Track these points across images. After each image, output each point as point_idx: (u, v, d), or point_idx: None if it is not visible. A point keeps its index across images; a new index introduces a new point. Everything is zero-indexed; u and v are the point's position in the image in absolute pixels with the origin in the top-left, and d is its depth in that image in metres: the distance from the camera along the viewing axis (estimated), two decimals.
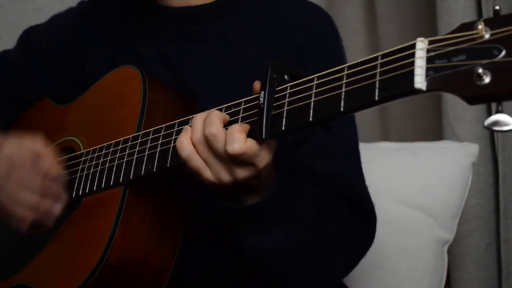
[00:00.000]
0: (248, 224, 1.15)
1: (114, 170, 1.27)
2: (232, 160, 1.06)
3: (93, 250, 1.22)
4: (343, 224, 1.26)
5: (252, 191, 1.12)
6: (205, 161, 1.09)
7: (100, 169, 1.30)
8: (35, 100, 1.55)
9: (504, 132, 0.84)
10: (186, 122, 1.18)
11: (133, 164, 1.23)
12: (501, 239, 1.98)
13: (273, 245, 1.15)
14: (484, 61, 0.83)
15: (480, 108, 1.89)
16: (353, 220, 1.28)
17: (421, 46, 0.89)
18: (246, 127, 1.07)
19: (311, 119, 1.00)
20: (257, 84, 1.09)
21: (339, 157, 1.31)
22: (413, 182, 1.78)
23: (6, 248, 1.49)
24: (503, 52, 0.82)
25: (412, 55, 0.89)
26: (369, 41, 2.33)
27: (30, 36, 1.58)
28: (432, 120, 2.19)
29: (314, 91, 1.01)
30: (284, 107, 1.03)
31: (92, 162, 1.32)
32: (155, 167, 1.20)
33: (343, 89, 0.97)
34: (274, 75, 1.06)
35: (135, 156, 1.24)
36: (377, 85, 0.92)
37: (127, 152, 1.26)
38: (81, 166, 1.35)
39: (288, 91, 1.04)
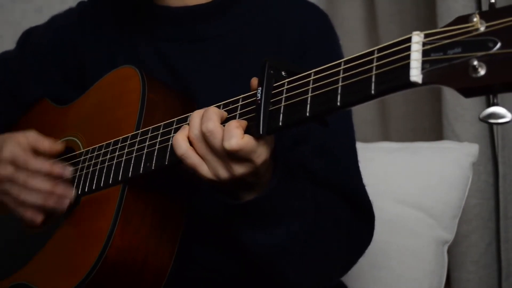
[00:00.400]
0: (246, 221, 1.15)
1: (113, 168, 1.27)
2: (230, 156, 1.06)
3: (92, 248, 1.22)
4: (341, 222, 1.26)
5: (250, 187, 1.12)
6: (202, 157, 1.09)
7: (99, 167, 1.30)
8: (35, 100, 1.56)
9: (499, 125, 0.84)
10: (184, 120, 1.18)
11: (132, 162, 1.24)
12: (501, 239, 1.98)
13: (272, 242, 1.15)
14: (480, 54, 0.83)
15: (480, 108, 1.89)
16: (352, 219, 1.28)
17: (417, 39, 0.89)
18: (244, 123, 1.07)
19: (308, 114, 1.00)
20: (254, 81, 1.10)
21: (336, 155, 1.31)
22: (413, 182, 1.78)
23: (5, 247, 1.50)
24: (498, 44, 0.82)
25: (408, 48, 0.90)
26: (369, 41, 2.33)
27: (29, 37, 1.59)
28: (432, 120, 2.19)
29: (311, 86, 1.01)
30: (281, 103, 1.04)
31: (91, 161, 1.33)
32: (153, 165, 1.20)
33: (340, 84, 0.97)
34: (271, 72, 1.06)
35: (134, 154, 1.24)
36: (373, 79, 0.92)
37: (126, 150, 1.26)
38: (80, 165, 1.35)
39: (285, 87, 1.04)
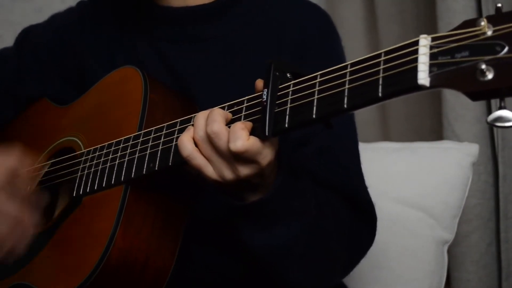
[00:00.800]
0: (249, 222, 1.15)
1: (115, 169, 1.27)
2: (235, 157, 1.06)
3: (94, 249, 1.22)
4: (343, 224, 1.26)
5: (255, 188, 1.12)
6: (207, 158, 1.09)
7: (101, 168, 1.30)
8: (34, 99, 1.56)
9: (506, 128, 0.84)
10: (188, 121, 1.18)
11: (135, 162, 1.23)
12: (501, 239, 1.98)
13: (274, 242, 1.15)
14: (487, 57, 0.84)
15: (480, 108, 1.89)
16: (354, 220, 1.28)
17: (424, 42, 0.90)
18: (249, 124, 1.07)
19: (314, 116, 1.00)
20: (259, 82, 1.10)
21: (339, 157, 1.32)
22: (413, 182, 1.79)
23: None
24: (506, 48, 0.83)
25: (416, 51, 0.90)
26: (370, 41, 2.33)
27: (28, 35, 1.58)
28: (432, 120, 2.19)
29: (317, 88, 1.01)
30: (287, 105, 1.04)
31: (93, 161, 1.32)
32: (157, 165, 1.19)
33: (346, 86, 0.97)
34: (277, 73, 1.06)
35: (137, 154, 1.24)
36: (380, 82, 0.93)
37: (128, 151, 1.26)
38: (81, 166, 1.35)
39: (291, 89, 1.04)
